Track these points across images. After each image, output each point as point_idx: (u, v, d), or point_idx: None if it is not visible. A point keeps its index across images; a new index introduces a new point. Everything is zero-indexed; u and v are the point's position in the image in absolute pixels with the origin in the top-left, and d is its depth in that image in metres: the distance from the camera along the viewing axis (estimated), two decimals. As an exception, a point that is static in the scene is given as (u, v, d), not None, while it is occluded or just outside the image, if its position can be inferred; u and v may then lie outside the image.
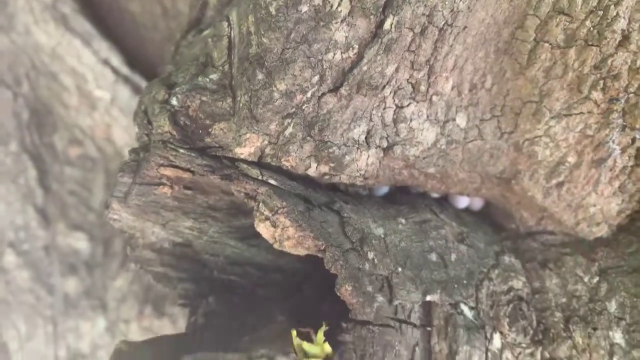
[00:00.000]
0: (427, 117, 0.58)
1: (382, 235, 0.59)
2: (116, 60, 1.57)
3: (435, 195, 0.74)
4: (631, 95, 0.57)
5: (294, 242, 0.51)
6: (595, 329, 0.66)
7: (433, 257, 0.61)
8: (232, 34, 0.54)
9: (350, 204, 0.60)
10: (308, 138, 0.52)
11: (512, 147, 0.62)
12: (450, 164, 0.62)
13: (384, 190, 0.72)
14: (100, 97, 1.32)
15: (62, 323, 1.27)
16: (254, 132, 0.50)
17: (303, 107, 0.51)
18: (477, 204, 0.77)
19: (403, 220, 0.63)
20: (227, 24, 0.55)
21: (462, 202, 0.75)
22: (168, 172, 0.55)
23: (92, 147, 1.31)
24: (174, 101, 0.54)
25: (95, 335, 1.31)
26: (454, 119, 0.60)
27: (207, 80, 0.53)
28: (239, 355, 0.49)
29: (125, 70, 1.52)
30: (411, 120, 0.57)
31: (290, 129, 0.51)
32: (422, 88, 0.56)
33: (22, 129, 1.24)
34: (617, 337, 0.65)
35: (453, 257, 0.63)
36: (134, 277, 1.33)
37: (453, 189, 0.67)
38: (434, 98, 0.58)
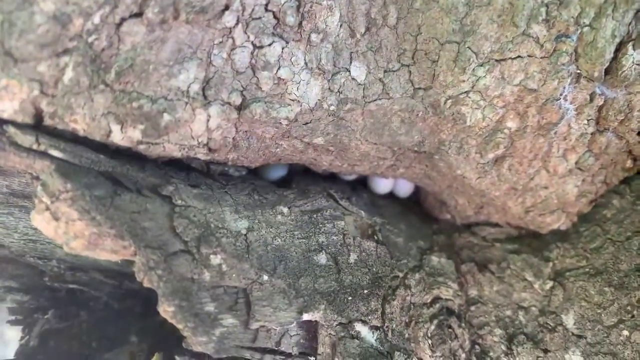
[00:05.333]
0: (306, 64, 0.42)
1: (244, 231, 0.42)
2: None
3: (348, 178, 0.58)
4: (586, 29, 0.41)
5: (85, 243, 0.34)
6: (546, 350, 0.49)
7: (322, 258, 0.45)
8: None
9: (203, 187, 0.43)
10: (102, 86, 0.35)
11: (431, 109, 0.46)
12: (347, 132, 0.46)
13: (279, 173, 0.56)
14: None
15: None
16: (13, 78, 0.33)
17: (90, 40, 0.34)
18: (405, 188, 0.60)
19: (285, 210, 0.46)
20: None
21: (383, 186, 0.58)
22: None
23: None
24: None
25: None
26: (347, 69, 0.43)
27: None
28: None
29: None
30: (279, 68, 0.40)
31: (70, 73, 0.34)
32: (291, 20, 0.39)
33: None
34: (576, 360, 0.49)
35: (352, 258, 0.47)
36: None
37: (358, 168, 0.50)
38: (314, 37, 0.41)
